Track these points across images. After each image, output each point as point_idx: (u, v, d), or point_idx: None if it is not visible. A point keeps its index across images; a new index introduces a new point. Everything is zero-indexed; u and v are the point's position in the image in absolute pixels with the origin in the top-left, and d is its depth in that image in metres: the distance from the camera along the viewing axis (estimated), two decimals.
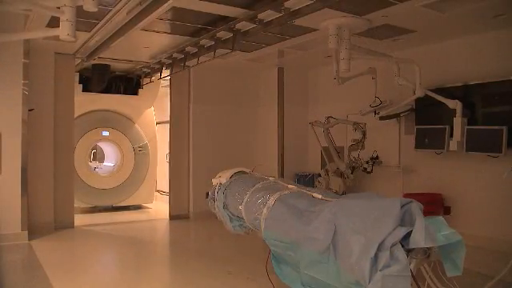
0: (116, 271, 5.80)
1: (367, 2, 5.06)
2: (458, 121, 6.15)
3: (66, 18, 4.30)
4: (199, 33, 6.41)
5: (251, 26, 5.79)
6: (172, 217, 8.91)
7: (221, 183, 4.37)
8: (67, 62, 7.83)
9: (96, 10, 4.34)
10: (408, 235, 2.43)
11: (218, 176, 4.57)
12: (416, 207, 2.57)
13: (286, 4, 5.05)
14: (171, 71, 8.43)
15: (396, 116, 7.20)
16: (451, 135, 6.24)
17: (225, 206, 4.17)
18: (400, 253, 2.37)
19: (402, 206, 2.57)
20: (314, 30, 6.08)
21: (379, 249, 2.40)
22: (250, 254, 5.95)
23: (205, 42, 6.73)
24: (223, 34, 6.30)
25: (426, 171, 7.01)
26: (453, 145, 6.21)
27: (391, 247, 2.38)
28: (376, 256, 2.39)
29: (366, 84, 7.33)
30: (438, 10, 5.23)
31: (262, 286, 4.22)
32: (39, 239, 6.74)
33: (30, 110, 6.75)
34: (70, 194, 7.85)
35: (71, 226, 7.75)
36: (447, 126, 6.30)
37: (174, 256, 6.63)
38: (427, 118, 6.84)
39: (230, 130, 9.39)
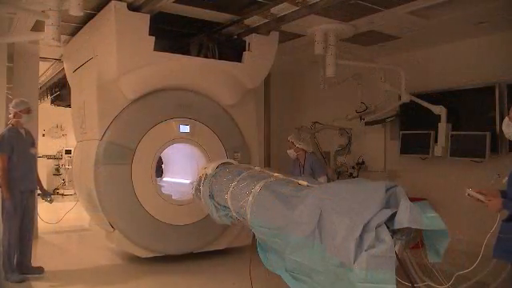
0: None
1: (353, 8, 5.11)
2: (442, 126, 6.22)
3: (51, 22, 4.28)
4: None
5: (239, 31, 5.80)
6: None
7: (207, 174, 4.36)
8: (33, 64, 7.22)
9: (81, 14, 4.31)
10: (393, 217, 2.46)
11: (203, 167, 4.56)
12: (401, 190, 2.62)
13: (273, 10, 5.07)
14: None
15: (381, 121, 7.27)
16: (436, 140, 6.32)
17: (211, 196, 4.15)
18: (385, 234, 2.40)
19: (388, 190, 2.61)
20: (301, 35, 6.11)
21: (364, 230, 2.43)
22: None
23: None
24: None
25: (410, 176, 7.02)
26: (437, 150, 6.27)
27: (376, 228, 2.41)
28: (361, 237, 2.42)
29: (352, 89, 7.38)
30: (422, 16, 5.31)
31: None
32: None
33: None
34: None
35: None
36: (432, 132, 6.38)
37: None
38: (412, 124, 6.89)
39: None
